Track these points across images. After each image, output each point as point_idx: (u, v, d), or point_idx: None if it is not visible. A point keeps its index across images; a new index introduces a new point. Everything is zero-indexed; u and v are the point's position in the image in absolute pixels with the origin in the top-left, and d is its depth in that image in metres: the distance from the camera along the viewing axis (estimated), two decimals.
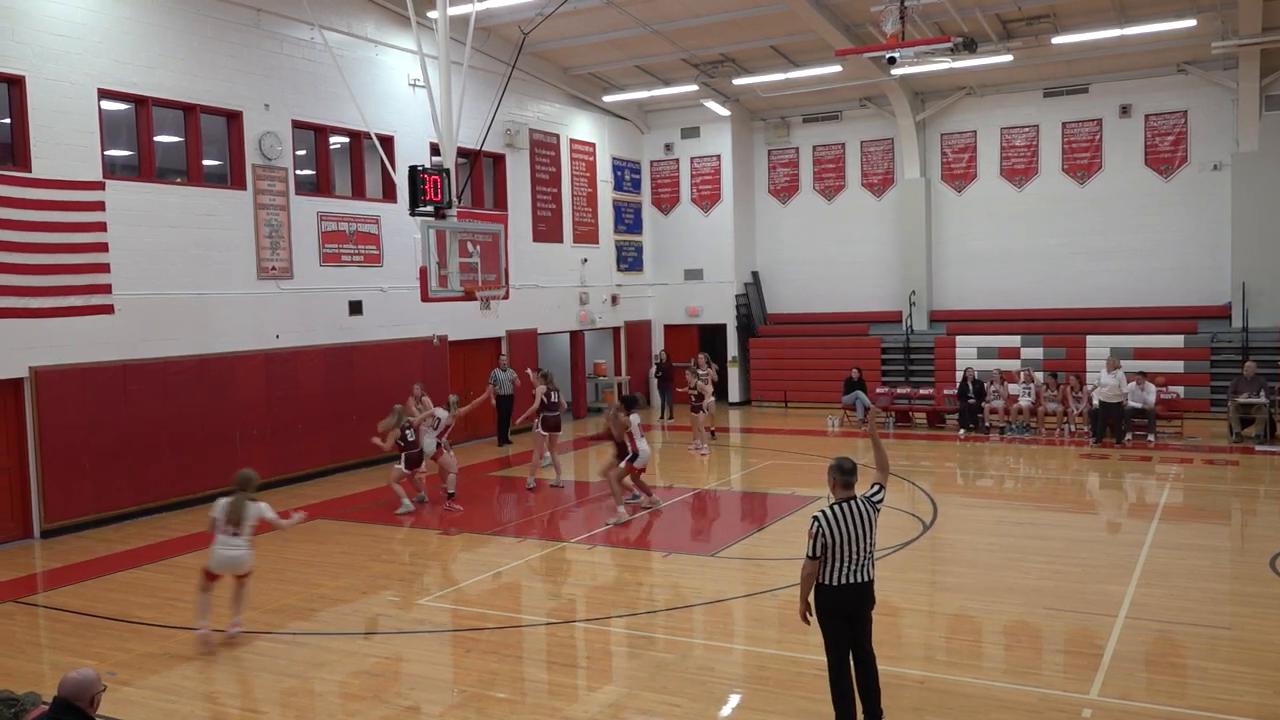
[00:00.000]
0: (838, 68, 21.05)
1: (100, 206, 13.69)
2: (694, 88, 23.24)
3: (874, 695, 6.58)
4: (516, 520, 13.71)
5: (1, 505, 12.98)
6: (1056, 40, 19.71)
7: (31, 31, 13.01)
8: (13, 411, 13.05)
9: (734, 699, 7.52)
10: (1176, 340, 20.97)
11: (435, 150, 17.19)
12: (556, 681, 7.93)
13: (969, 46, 16.60)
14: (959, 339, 22.95)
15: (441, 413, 14.74)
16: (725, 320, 25.94)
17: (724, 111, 24.87)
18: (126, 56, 14.14)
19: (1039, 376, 20.49)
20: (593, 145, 24.67)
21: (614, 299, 25.35)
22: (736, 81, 22.81)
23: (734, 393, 25.29)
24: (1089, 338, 21.64)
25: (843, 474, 6.54)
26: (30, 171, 12.98)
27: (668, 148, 26.45)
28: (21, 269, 12.78)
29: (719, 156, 25.70)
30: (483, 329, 20.15)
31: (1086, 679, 7.47)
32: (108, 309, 13.82)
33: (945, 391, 21.24)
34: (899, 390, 21.99)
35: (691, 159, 26.10)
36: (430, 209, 13.53)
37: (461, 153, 16.33)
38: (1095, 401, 18.51)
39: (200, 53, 15.13)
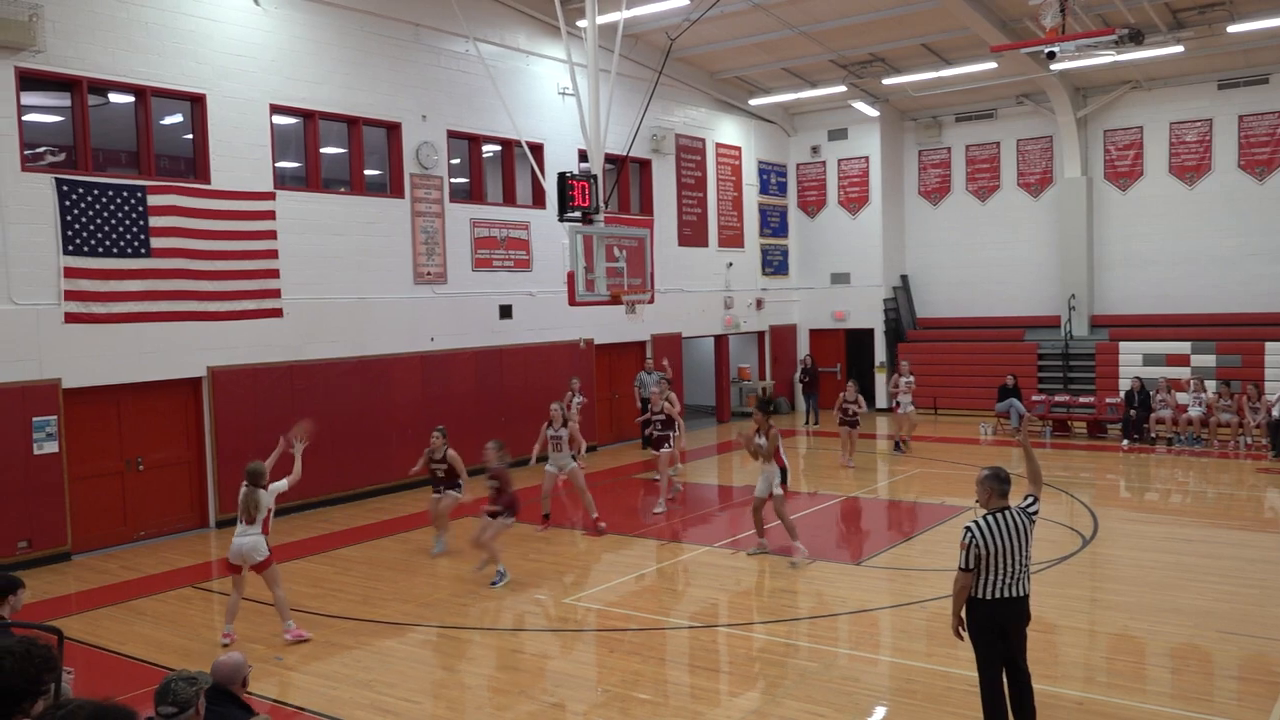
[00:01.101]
0: (993, 64, 20.39)
1: (271, 215, 14.49)
2: (842, 89, 22.90)
3: (1029, 714, 6.34)
4: (660, 523, 13.77)
5: (182, 496, 13.91)
6: (1232, 29, 18.52)
7: (212, 52, 13.89)
8: (193, 408, 13.98)
9: (880, 711, 7.37)
10: None
11: (583, 157, 17.49)
12: (699, 685, 7.94)
13: (1135, 38, 15.78)
14: (1122, 345, 21.85)
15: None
16: (873, 325, 25.46)
17: (872, 112, 24.42)
18: (296, 73, 14.93)
19: (1211, 385, 19.30)
20: (738, 149, 24.62)
21: (759, 303, 25.22)
22: (886, 81, 22.36)
23: (881, 398, 24.74)
24: (1268, 344, 20.26)
25: (998, 483, 6.34)
26: (209, 183, 13.86)
27: (814, 150, 26.15)
28: (203, 275, 13.65)
29: (867, 158, 25.24)
30: (628, 333, 20.39)
31: (1265, 709, 6.99)
32: (277, 313, 14.61)
33: (1107, 400, 20.27)
34: (1056, 398, 21.10)
35: (839, 161, 25.73)
36: (578, 215, 13.77)
37: (609, 159, 16.55)
38: (1275, 413, 17.30)
39: (362, 67, 15.84)
